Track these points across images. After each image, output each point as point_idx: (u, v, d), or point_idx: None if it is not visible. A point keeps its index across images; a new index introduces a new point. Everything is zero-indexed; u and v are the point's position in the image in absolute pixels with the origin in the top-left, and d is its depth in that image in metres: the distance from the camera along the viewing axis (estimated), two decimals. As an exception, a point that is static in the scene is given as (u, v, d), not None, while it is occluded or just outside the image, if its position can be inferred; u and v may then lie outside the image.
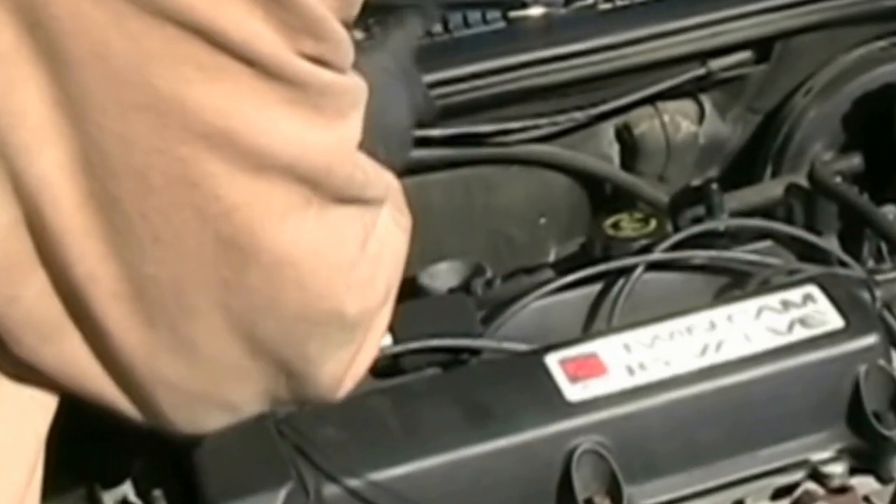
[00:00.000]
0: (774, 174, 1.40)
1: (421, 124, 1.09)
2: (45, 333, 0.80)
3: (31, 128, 0.74)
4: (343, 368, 0.90)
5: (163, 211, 0.77)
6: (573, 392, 0.97)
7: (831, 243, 1.19)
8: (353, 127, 0.84)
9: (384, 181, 0.91)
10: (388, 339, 1.04)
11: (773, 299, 1.02)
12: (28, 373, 0.82)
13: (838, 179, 1.25)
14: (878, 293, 1.06)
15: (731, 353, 0.99)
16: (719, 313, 1.02)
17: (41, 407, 0.84)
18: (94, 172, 0.75)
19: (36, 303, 0.79)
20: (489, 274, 1.19)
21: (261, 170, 0.78)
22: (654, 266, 1.13)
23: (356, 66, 0.83)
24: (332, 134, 0.81)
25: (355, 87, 0.84)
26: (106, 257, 0.78)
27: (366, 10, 0.85)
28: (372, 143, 0.87)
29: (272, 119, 0.77)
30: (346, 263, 0.85)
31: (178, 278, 0.79)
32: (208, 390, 0.86)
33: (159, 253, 0.78)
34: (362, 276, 0.87)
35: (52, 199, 0.75)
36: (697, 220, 1.21)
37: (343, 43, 0.81)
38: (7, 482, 0.82)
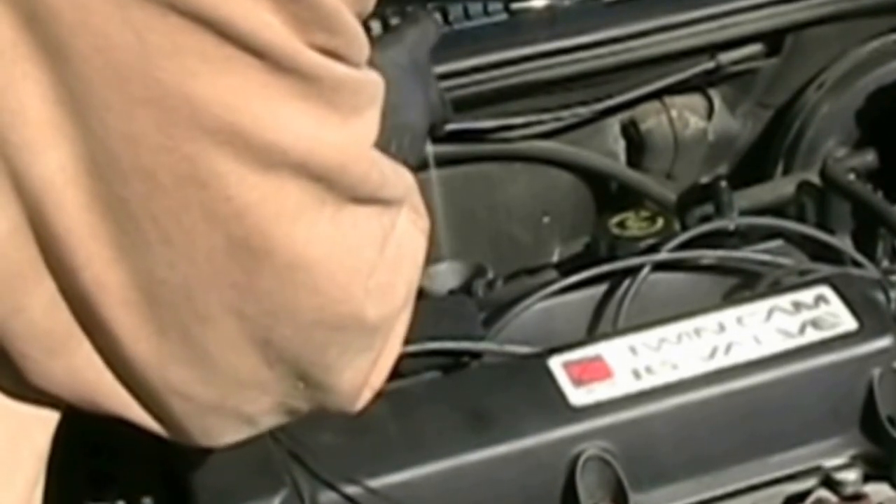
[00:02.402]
0: (786, 171, 1.40)
1: (434, 127, 1.07)
2: (53, 346, 0.78)
3: (32, 127, 0.72)
4: (363, 376, 0.88)
5: (172, 212, 0.75)
6: (577, 396, 0.96)
7: (844, 243, 1.18)
8: (369, 124, 0.82)
9: (403, 181, 0.89)
10: (385, 342, 1.03)
11: (785, 300, 1.02)
12: (29, 390, 0.80)
13: (851, 177, 1.25)
14: (893, 294, 1.05)
15: (740, 356, 0.99)
16: (728, 315, 1.02)
17: (42, 423, 0.83)
18: (100, 173, 0.74)
19: (43, 314, 0.77)
20: (491, 275, 1.19)
21: (271, 168, 0.76)
22: (660, 266, 1.12)
23: (370, 60, 0.81)
24: (347, 131, 0.79)
25: (372, 83, 0.82)
26: (114, 262, 0.76)
27: (382, 2, 0.83)
28: (383, 141, 0.85)
29: (283, 115, 0.75)
30: (365, 267, 0.83)
31: (188, 282, 0.78)
32: (224, 401, 0.84)
33: (169, 256, 0.76)
34: (381, 279, 0.85)
35: (55, 202, 0.74)
36: (706, 219, 1.21)
37: (358, 37, 0.79)
38: (6, 501, 0.81)
